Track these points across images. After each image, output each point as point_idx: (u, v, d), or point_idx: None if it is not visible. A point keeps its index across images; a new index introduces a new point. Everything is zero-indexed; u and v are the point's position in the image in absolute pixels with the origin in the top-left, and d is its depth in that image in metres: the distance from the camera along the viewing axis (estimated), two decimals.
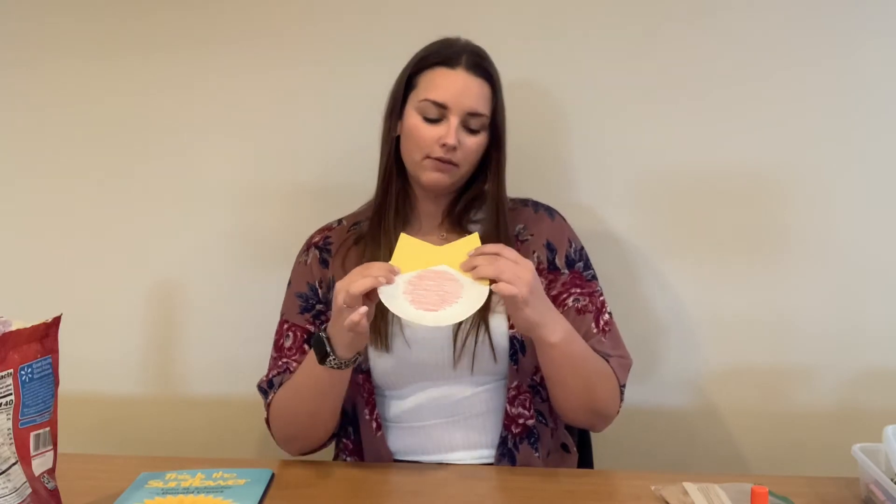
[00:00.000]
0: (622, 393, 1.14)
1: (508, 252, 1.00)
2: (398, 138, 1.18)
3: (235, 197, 1.57)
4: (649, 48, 1.46)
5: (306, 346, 1.16)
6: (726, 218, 1.49)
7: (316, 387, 1.08)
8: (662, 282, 1.51)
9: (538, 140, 1.49)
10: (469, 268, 1.00)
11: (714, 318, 1.51)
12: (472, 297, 0.99)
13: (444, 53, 1.14)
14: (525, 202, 1.26)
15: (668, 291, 1.51)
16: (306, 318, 1.19)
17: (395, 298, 0.98)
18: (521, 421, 1.16)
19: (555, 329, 1.03)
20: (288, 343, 1.18)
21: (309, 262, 1.22)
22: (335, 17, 1.51)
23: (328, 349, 1.02)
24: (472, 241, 1.04)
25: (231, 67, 1.54)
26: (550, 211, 1.25)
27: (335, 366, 1.02)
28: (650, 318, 1.52)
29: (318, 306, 1.20)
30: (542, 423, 1.18)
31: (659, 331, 1.52)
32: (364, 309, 0.96)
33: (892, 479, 0.91)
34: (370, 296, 0.98)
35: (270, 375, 1.17)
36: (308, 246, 1.24)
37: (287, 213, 1.55)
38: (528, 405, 1.16)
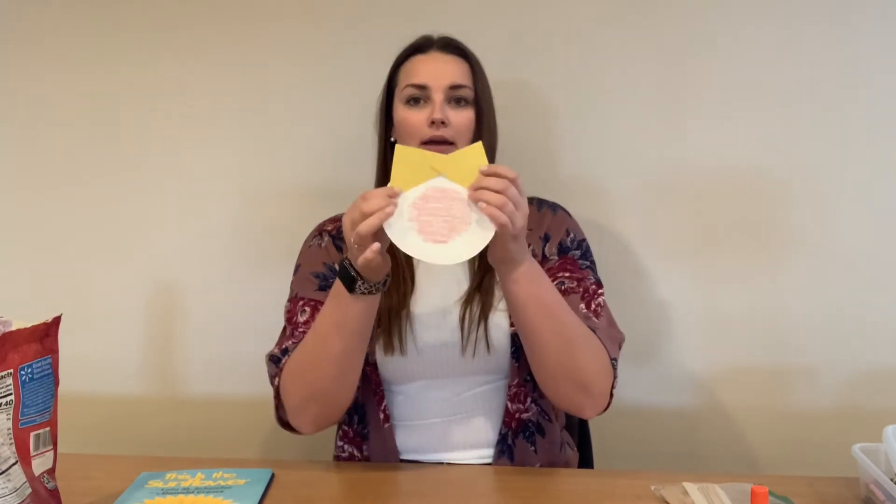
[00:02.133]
0: (615, 369, 1.09)
1: (519, 182, 0.97)
2: (394, 144, 1.18)
3: (235, 196, 1.57)
4: (647, 47, 1.46)
5: None
6: (726, 217, 1.48)
7: (341, 321, 1.03)
8: (662, 281, 1.51)
9: (536, 139, 1.49)
10: (476, 190, 0.96)
11: (714, 318, 1.51)
12: (481, 223, 0.96)
13: (416, 44, 1.19)
14: (530, 200, 1.26)
15: (667, 290, 1.51)
16: (326, 294, 1.15)
17: (401, 230, 0.95)
18: (517, 416, 1.16)
19: (522, 262, 1.01)
20: (303, 318, 1.15)
21: (324, 245, 1.22)
22: (335, 16, 1.51)
23: (354, 274, 0.99)
24: (476, 150, 0.99)
25: (230, 67, 1.54)
26: (554, 207, 1.26)
27: (365, 290, 1.00)
28: (649, 317, 1.51)
29: None
30: (544, 418, 1.19)
31: (658, 330, 1.52)
32: (377, 246, 0.94)
33: (892, 479, 0.91)
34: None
35: (284, 345, 1.13)
36: (320, 231, 1.25)
37: (286, 213, 1.54)
38: (524, 399, 1.16)
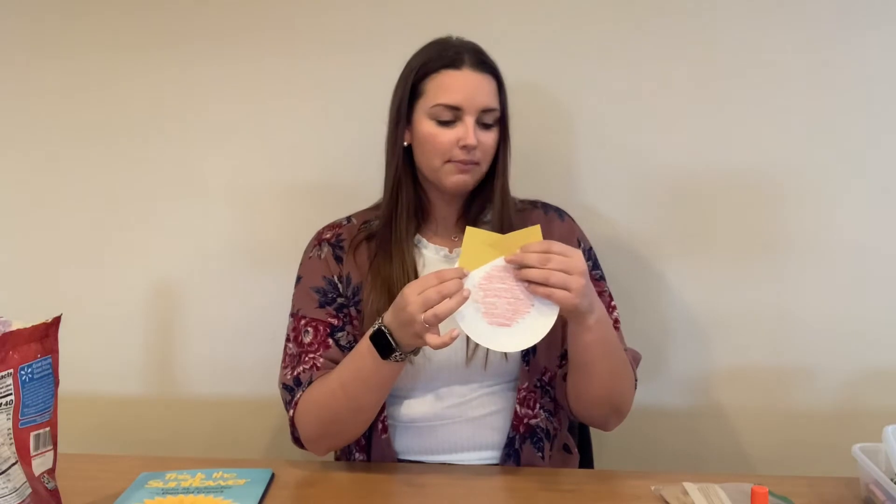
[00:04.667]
0: (635, 388, 1.15)
1: (557, 248, 0.97)
2: (407, 146, 1.17)
3: (235, 197, 1.57)
4: (651, 48, 1.46)
5: (330, 341, 1.14)
6: (727, 218, 1.49)
7: (371, 381, 1.04)
8: (663, 282, 1.51)
9: (542, 142, 1.49)
10: (521, 276, 0.98)
11: (714, 319, 1.51)
12: (543, 304, 0.97)
13: (447, 56, 1.12)
14: (535, 204, 1.26)
15: (668, 292, 1.51)
16: (327, 311, 1.16)
17: (466, 312, 0.96)
18: (526, 421, 1.16)
19: (594, 311, 1.01)
20: (308, 339, 1.15)
21: (323, 256, 1.20)
22: (336, 17, 1.51)
23: (392, 343, 0.99)
24: (534, 233, 0.99)
25: (232, 67, 1.54)
26: (560, 212, 1.26)
27: (400, 359, 1.01)
28: (651, 318, 1.51)
29: (340, 300, 1.17)
30: (550, 423, 1.19)
31: (659, 331, 1.52)
32: (457, 333, 0.94)
33: (892, 479, 0.91)
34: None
35: (296, 372, 1.13)
36: (319, 241, 1.22)
37: (287, 214, 1.55)
38: (534, 405, 1.17)
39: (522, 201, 1.26)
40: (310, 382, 1.11)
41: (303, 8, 1.52)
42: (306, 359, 1.14)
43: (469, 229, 0.99)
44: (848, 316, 1.48)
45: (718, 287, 1.50)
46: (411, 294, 0.96)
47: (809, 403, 1.51)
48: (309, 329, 1.15)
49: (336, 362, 1.11)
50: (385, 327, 1.00)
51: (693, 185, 1.48)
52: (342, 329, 1.16)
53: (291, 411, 1.12)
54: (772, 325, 1.49)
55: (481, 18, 1.47)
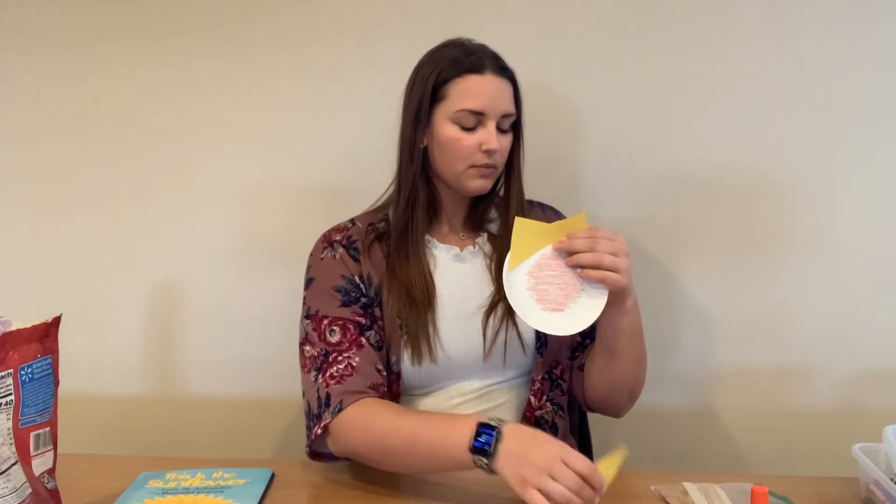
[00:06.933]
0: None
1: (603, 232, 1.00)
2: (423, 148, 1.15)
3: (237, 197, 1.57)
4: (653, 49, 1.46)
5: (363, 339, 1.10)
6: (727, 218, 1.49)
7: (439, 461, 0.98)
8: (664, 282, 1.51)
9: (544, 142, 1.48)
10: (571, 262, 1.01)
11: (714, 319, 1.51)
12: (593, 288, 1.01)
13: (469, 61, 1.10)
14: (531, 203, 1.27)
15: (669, 292, 1.51)
16: (353, 310, 1.12)
17: (522, 301, 1.01)
18: (535, 413, 1.17)
19: (632, 293, 1.06)
20: (335, 338, 1.10)
21: (338, 256, 1.15)
22: (339, 20, 1.51)
23: (487, 459, 0.92)
24: (580, 221, 1.03)
25: (235, 68, 1.54)
26: (557, 213, 1.27)
27: (483, 465, 0.93)
28: (651, 318, 1.50)
29: (363, 299, 1.13)
30: (559, 416, 1.20)
31: (660, 331, 1.51)
32: None
33: (892, 479, 0.91)
34: None
35: (329, 373, 1.06)
36: (329, 243, 1.18)
37: (289, 214, 1.54)
38: (541, 397, 1.17)
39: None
40: (357, 400, 1.04)
41: (306, 13, 1.51)
42: (339, 358, 1.08)
43: (518, 220, 1.03)
44: (848, 316, 1.48)
45: (719, 287, 1.50)
46: (568, 463, 0.89)
47: (809, 403, 1.51)
48: (335, 328, 1.11)
49: (374, 364, 1.09)
50: (497, 435, 0.92)
51: (692, 185, 1.48)
52: (370, 328, 1.12)
53: (322, 427, 1.04)
54: (772, 325, 1.49)
55: (487, 19, 1.47)
